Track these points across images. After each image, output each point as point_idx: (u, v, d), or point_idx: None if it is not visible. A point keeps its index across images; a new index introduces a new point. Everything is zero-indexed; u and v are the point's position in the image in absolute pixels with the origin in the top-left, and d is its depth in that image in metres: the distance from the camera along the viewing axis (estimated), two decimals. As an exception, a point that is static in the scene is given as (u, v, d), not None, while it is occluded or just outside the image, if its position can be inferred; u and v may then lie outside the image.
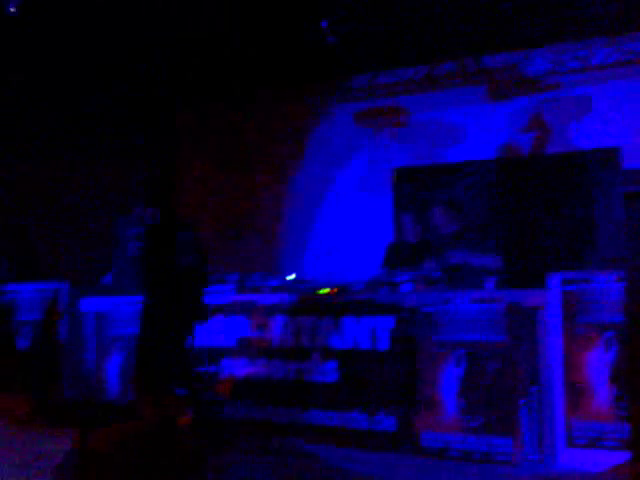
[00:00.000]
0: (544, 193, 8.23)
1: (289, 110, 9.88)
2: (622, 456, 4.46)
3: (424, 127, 9.11)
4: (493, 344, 5.18)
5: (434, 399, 5.31)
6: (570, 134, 8.33)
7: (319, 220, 9.67)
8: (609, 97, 8.14)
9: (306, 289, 6.29)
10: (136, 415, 5.15)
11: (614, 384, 4.78)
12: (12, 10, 7.32)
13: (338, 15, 8.12)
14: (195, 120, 10.46)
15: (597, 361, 4.88)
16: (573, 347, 4.95)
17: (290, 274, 6.80)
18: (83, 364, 6.87)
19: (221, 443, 5.59)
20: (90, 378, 6.80)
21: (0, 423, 6.10)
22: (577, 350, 4.94)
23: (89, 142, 9.64)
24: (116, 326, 6.82)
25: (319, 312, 5.88)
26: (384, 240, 9.04)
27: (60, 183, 9.28)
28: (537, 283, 5.65)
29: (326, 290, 6.16)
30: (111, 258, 7.36)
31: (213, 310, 6.28)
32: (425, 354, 5.42)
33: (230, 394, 6.08)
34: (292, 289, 6.36)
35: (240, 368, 6.10)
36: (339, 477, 4.97)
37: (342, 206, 9.48)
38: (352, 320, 5.74)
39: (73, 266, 8.48)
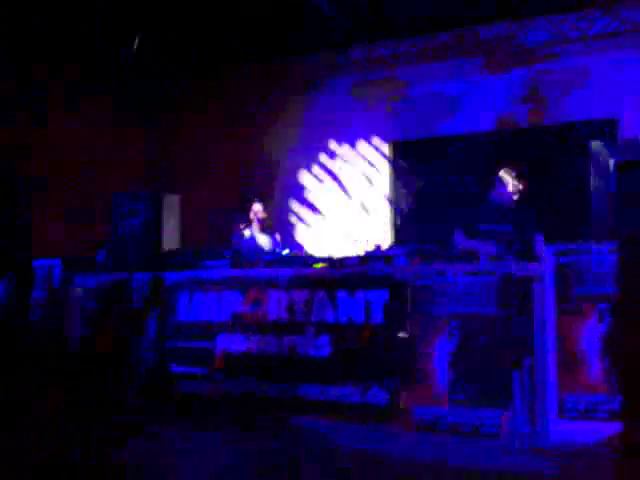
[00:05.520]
0: (541, 164, 8.17)
1: (285, 82, 9.81)
2: (614, 427, 4.45)
3: (421, 100, 9.03)
4: (486, 316, 5.16)
5: (427, 372, 5.29)
6: (568, 105, 8.25)
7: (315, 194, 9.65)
8: (607, 67, 8.05)
9: (300, 263, 6.26)
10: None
11: (606, 356, 4.76)
12: None
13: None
14: (190, 92, 10.40)
15: (590, 333, 4.85)
16: (566, 319, 4.93)
17: (285, 248, 6.78)
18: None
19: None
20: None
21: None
22: (570, 322, 4.91)
23: (85, 118, 9.61)
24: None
25: (313, 286, 5.86)
26: (380, 214, 9.03)
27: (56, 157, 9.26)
28: (531, 255, 5.62)
29: (320, 264, 6.13)
30: (106, 235, 7.33)
31: (207, 284, 6.28)
32: (418, 328, 5.40)
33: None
34: (286, 263, 6.33)
35: (234, 343, 6.09)
36: (330, 451, 4.97)
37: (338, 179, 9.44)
38: (346, 294, 5.71)
39: (68, 242, 8.47)
